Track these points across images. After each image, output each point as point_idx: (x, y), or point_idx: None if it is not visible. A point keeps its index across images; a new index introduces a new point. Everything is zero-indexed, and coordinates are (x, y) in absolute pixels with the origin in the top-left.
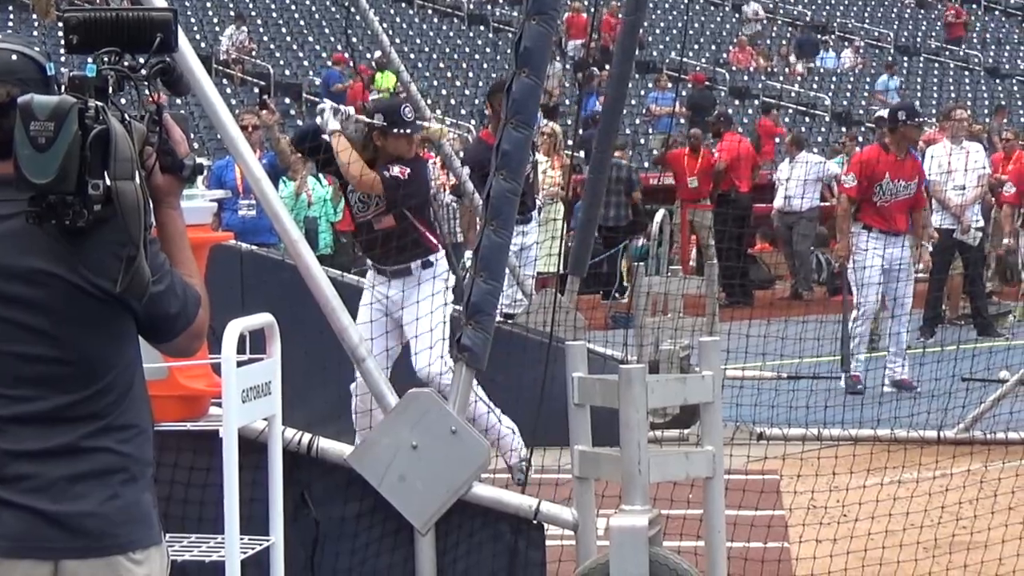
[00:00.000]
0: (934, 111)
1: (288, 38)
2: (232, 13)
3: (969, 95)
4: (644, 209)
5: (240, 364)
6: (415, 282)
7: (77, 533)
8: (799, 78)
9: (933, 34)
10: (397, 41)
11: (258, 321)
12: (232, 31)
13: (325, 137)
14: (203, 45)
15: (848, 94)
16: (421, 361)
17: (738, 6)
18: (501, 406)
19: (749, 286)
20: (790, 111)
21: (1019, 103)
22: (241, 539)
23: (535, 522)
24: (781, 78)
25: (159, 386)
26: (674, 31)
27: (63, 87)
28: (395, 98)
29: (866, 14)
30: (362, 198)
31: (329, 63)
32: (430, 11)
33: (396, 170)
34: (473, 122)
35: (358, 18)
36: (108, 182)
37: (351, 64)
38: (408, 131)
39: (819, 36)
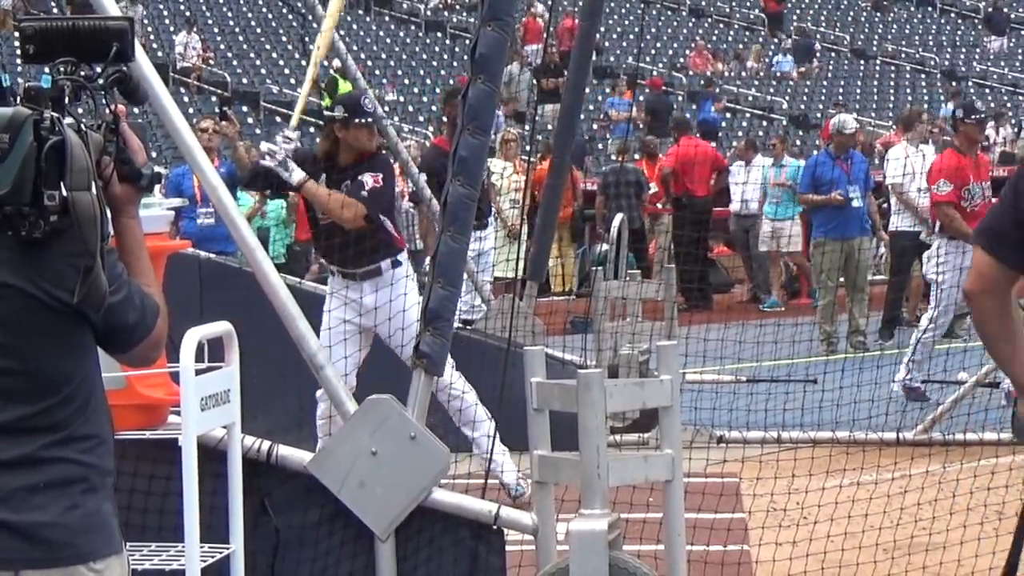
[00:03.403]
0: (891, 114)
1: (245, 46)
2: (188, 20)
3: (926, 97)
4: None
5: (199, 372)
6: (387, 283)
7: (37, 543)
8: (756, 81)
9: (889, 37)
10: (354, 48)
11: (216, 329)
12: (183, 37)
13: (290, 180)
14: (160, 54)
15: (805, 98)
16: None
17: (696, 10)
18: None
19: (708, 290)
20: (747, 115)
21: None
22: (201, 547)
23: (495, 527)
24: (739, 82)
25: (118, 395)
26: (631, 36)
27: (19, 98)
28: (355, 91)
29: (822, 18)
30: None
31: (286, 71)
32: (387, 18)
33: (369, 180)
34: (431, 128)
35: (315, 25)
36: (64, 193)
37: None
38: (368, 120)
39: (776, 40)
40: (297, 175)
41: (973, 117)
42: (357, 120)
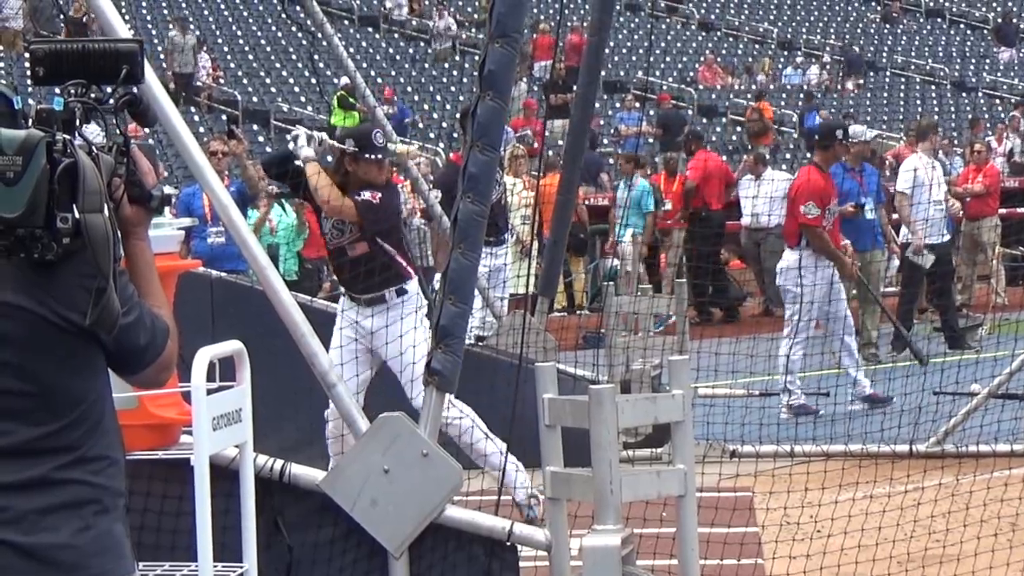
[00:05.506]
0: (902, 125)
1: (255, 65)
2: (199, 40)
3: (936, 108)
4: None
5: (210, 392)
6: (386, 309)
7: (50, 565)
8: (771, 92)
9: (899, 48)
10: (364, 66)
11: (228, 349)
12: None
13: (297, 163)
14: (170, 73)
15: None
16: (416, 391)
17: (705, 24)
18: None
19: (721, 303)
20: None
21: (986, 115)
22: (215, 567)
23: (509, 544)
24: (748, 95)
25: (129, 415)
26: (640, 50)
27: (31, 120)
28: (366, 124)
29: (832, 30)
30: (337, 224)
31: (296, 89)
32: (396, 35)
33: (367, 195)
34: (441, 145)
35: (324, 44)
36: (77, 215)
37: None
38: (379, 156)
39: (786, 52)
40: (306, 151)
41: (850, 140)
42: (368, 156)
